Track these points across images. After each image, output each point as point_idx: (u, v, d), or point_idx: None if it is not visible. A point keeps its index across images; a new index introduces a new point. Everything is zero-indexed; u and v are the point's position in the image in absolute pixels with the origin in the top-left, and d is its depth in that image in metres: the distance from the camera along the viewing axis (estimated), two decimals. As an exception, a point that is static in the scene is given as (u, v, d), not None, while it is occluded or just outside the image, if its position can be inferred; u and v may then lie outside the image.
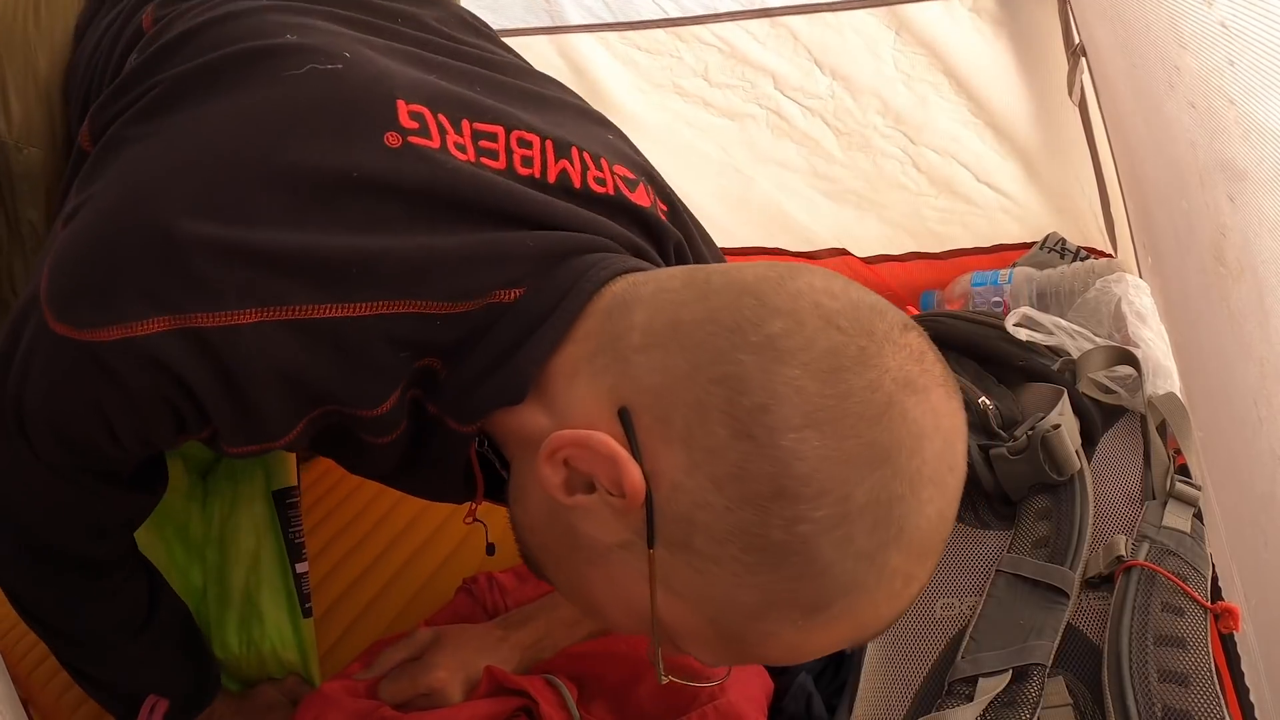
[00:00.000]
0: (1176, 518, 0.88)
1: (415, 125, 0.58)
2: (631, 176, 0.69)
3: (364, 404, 0.59)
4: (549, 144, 0.64)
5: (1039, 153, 1.42)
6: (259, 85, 0.58)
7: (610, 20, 1.42)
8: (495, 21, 1.43)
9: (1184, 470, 0.95)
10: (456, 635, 0.94)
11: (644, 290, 0.57)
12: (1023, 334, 1.09)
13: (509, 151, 0.62)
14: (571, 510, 0.56)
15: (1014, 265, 1.46)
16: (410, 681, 0.90)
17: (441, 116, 0.60)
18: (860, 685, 0.89)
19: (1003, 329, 1.09)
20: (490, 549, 0.94)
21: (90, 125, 0.66)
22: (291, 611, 1.00)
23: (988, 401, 1.00)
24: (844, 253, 1.56)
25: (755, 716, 0.87)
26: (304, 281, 0.54)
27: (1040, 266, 1.43)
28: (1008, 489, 0.97)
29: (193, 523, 1.03)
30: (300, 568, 1.02)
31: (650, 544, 0.53)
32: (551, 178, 0.64)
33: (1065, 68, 1.30)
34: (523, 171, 0.62)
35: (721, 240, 1.55)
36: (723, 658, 0.58)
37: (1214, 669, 0.76)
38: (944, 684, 0.84)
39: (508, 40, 1.46)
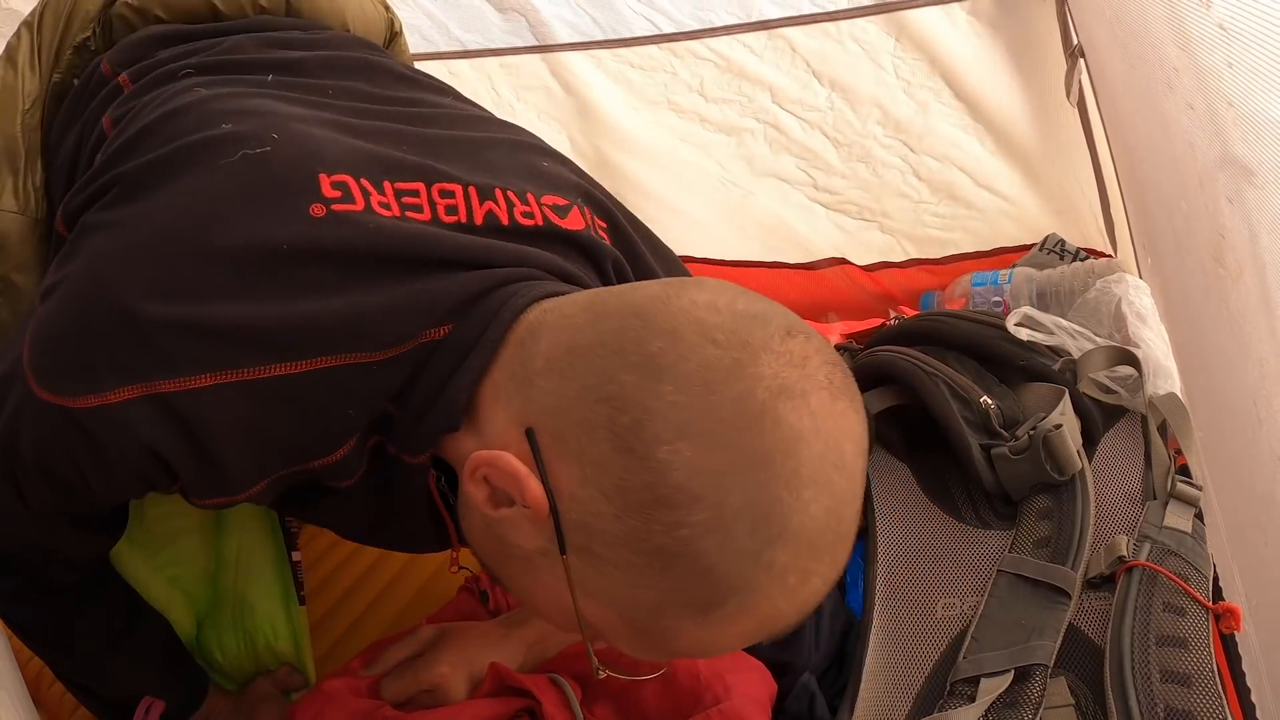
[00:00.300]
0: (1177, 518, 0.88)
1: (338, 194, 0.64)
2: (563, 203, 0.74)
3: (321, 452, 0.65)
4: (471, 190, 0.70)
5: (1039, 155, 1.42)
6: (200, 175, 0.64)
7: (601, 38, 1.41)
8: (480, 43, 1.44)
9: (1184, 470, 0.95)
10: (459, 632, 0.95)
11: (550, 318, 0.63)
12: (1024, 334, 1.09)
13: (432, 204, 0.68)
14: (500, 523, 0.61)
15: (1014, 266, 1.46)
16: (413, 678, 0.90)
17: (364, 181, 0.65)
18: (862, 686, 0.89)
19: (1004, 329, 1.09)
20: (485, 597, 1.01)
21: (64, 212, 0.73)
22: (286, 600, 1.02)
23: (989, 401, 1.00)
24: (844, 262, 1.56)
25: (759, 719, 0.87)
26: (249, 347, 0.60)
27: (1040, 268, 1.43)
28: (1009, 489, 0.97)
29: (209, 563, 1.04)
30: (295, 556, 1.04)
31: (562, 550, 0.58)
32: (479, 220, 0.69)
33: (1064, 69, 1.30)
34: (448, 220, 0.68)
35: (722, 253, 1.56)
36: (646, 652, 0.63)
37: (1216, 669, 0.76)
38: (946, 684, 0.84)
39: (498, 59, 1.47)
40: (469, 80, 1.50)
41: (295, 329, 0.60)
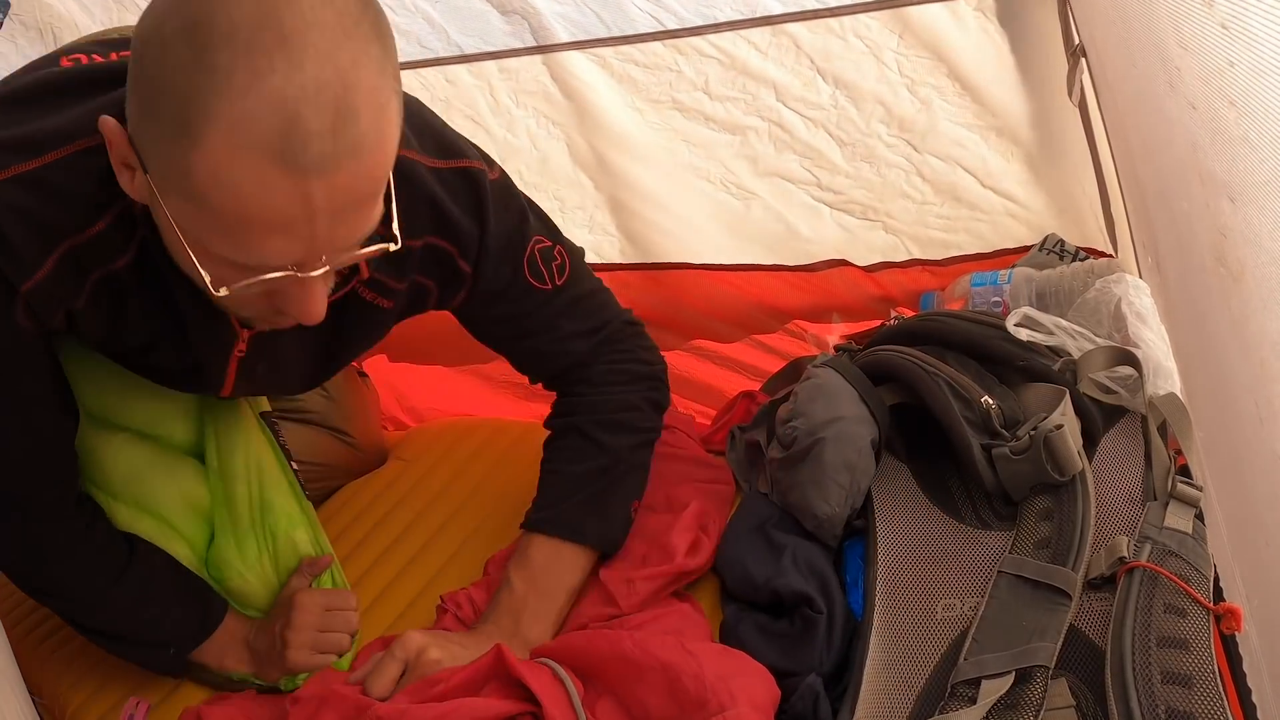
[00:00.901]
0: (1178, 518, 0.88)
1: (71, 64, 0.90)
2: None
3: (81, 225, 0.84)
4: None
5: (1040, 154, 1.41)
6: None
7: (604, 35, 1.39)
8: (481, 46, 1.43)
9: (1185, 471, 0.95)
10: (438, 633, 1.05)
11: None
12: (1024, 334, 1.09)
13: None
14: (141, 195, 0.78)
15: (1014, 266, 1.46)
16: (390, 659, 0.97)
17: (95, 55, 0.91)
18: (863, 686, 0.89)
19: (1004, 329, 1.09)
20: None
21: None
22: (295, 494, 1.18)
23: (990, 401, 1.00)
24: (844, 263, 1.55)
25: (762, 724, 0.87)
26: (13, 153, 0.82)
27: (1040, 268, 1.43)
28: (1009, 489, 0.97)
29: (197, 497, 1.14)
30: (294, 465, 1.20)
31: (144, 169, 0.74)
32: None
33: (1065, 68, 1.30)
34: None
35: (722, 258, 1.56)
36: (216, 236, 0.74)
37: (1217, 670, 0.76)
38: (947, 686, 0.84)
39: (496, 63, 1.47)
40: (466, 88, 1.49)
41: (40, 135, 0.83)
